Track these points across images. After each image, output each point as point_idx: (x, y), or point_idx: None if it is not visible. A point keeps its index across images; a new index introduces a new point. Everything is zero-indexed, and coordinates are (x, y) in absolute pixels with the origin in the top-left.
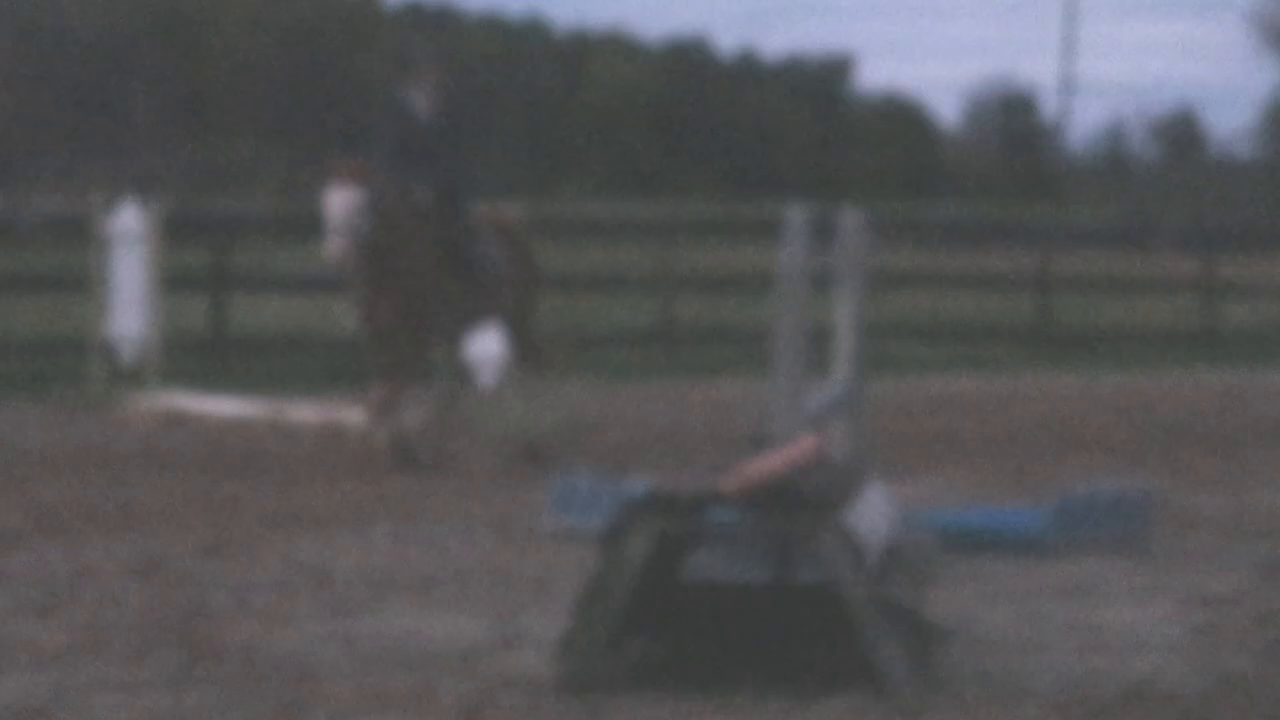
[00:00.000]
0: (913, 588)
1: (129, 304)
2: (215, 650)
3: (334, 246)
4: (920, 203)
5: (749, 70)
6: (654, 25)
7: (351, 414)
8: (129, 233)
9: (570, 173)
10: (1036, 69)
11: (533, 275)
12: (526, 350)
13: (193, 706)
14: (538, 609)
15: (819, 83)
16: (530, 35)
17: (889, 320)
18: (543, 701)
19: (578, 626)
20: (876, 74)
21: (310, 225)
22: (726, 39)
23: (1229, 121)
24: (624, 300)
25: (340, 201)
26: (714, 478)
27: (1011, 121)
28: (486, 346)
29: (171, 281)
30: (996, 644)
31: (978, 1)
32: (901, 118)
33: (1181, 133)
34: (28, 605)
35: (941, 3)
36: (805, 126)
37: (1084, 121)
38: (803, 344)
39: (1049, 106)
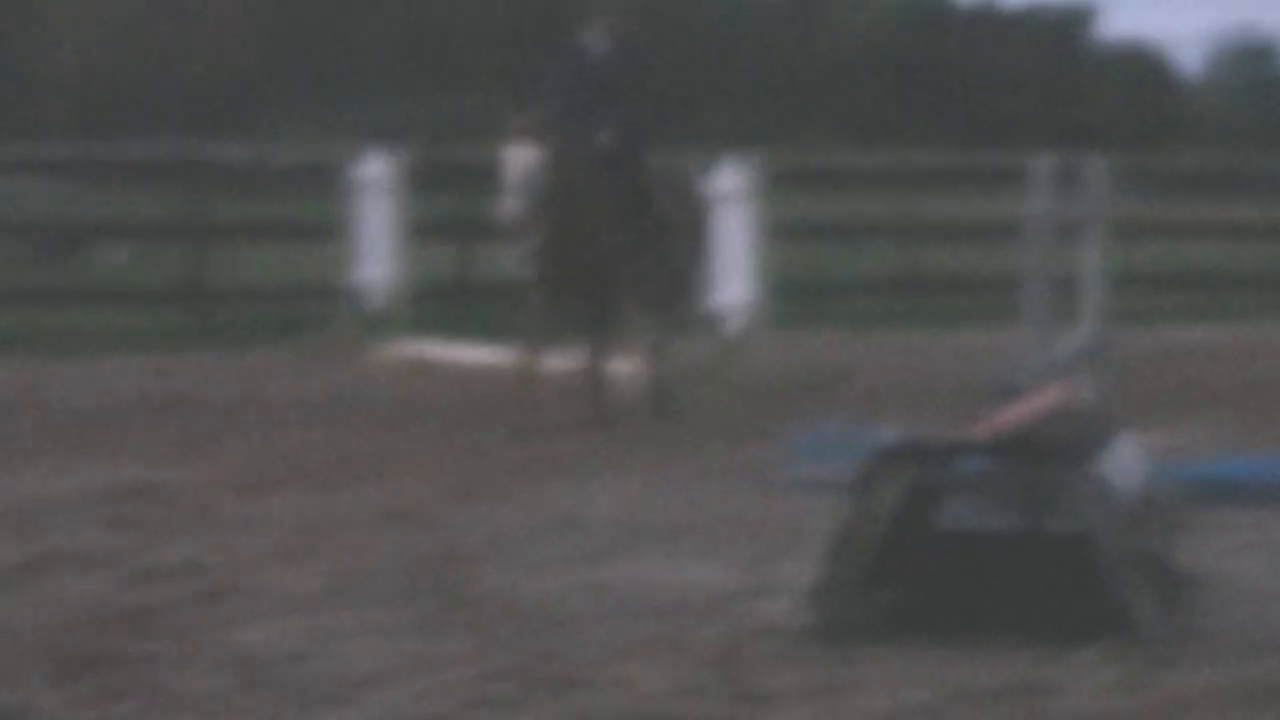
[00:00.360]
0: (1163, 537)
1: (375, 252)
2: (468, 597)
3: (508, 207)
4: (1162, 152)
5: (988, 20)
6: None
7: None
8: (375, 181)
9: (809, 123)
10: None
11: (697, 226)
12: (681, 304)
13: (447, 652)
14: (787, 557)
15: (1058, 32)
16: None
17: (1134, 270)
18: (794, 648)
19: (828, 574)
20: (1118, 24)
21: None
22: None
23: None
24: (867, 249)
25: (517, 160)
26: (964, 427)
27: (1254, 70)
28: (734, 294)
29: (417, 229)
30: (1247, 594)
31: None
32: (1142, 67)
33: None
34: (282, 552)
35: None
36: (1045, 76)
37: None
38: (1049, 294)
39: None
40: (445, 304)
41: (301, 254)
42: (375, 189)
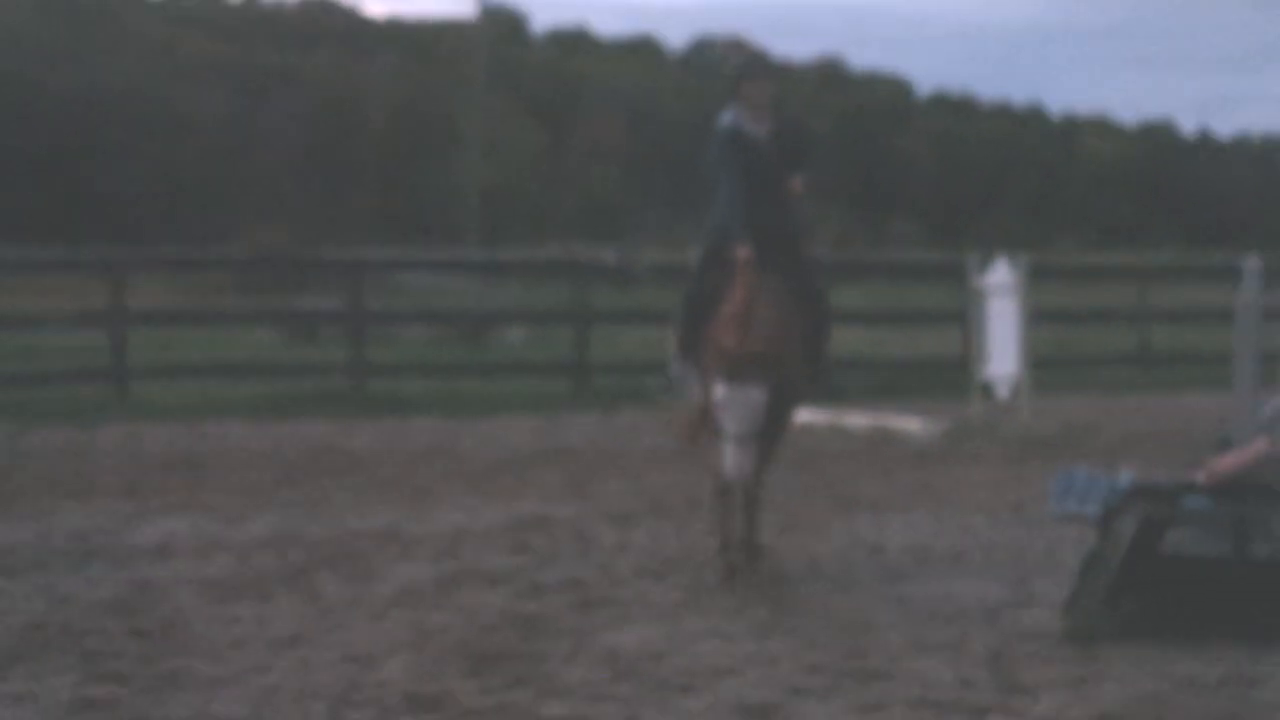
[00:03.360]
0: None
1: None
2: (792, 608)
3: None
4: None
5: (1206, 146)
6: (1130, 110)
7: (897, 420)
8: None
9: (1067, 230)
10: None
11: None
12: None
13: (776, 652)
14: (1046, 576)
15: (1264, 155)
16: (1032, 119)
17: None
18: (1050, 649)
19: (1079, 590)
20: None
21: (861, 270)
22: (1188, 121)
23: None
24: (1111, 330)
25: (742, 402)
26: (1188, 473)
27: None
28: (1003, 365)
29: None
30: None
31: None
32: None
33: None
34: (645, 571)
35: None
36: (1252, 190)
37: None
38: (1258, 365)
39: None
40: None
41: (658, 332)
42: None
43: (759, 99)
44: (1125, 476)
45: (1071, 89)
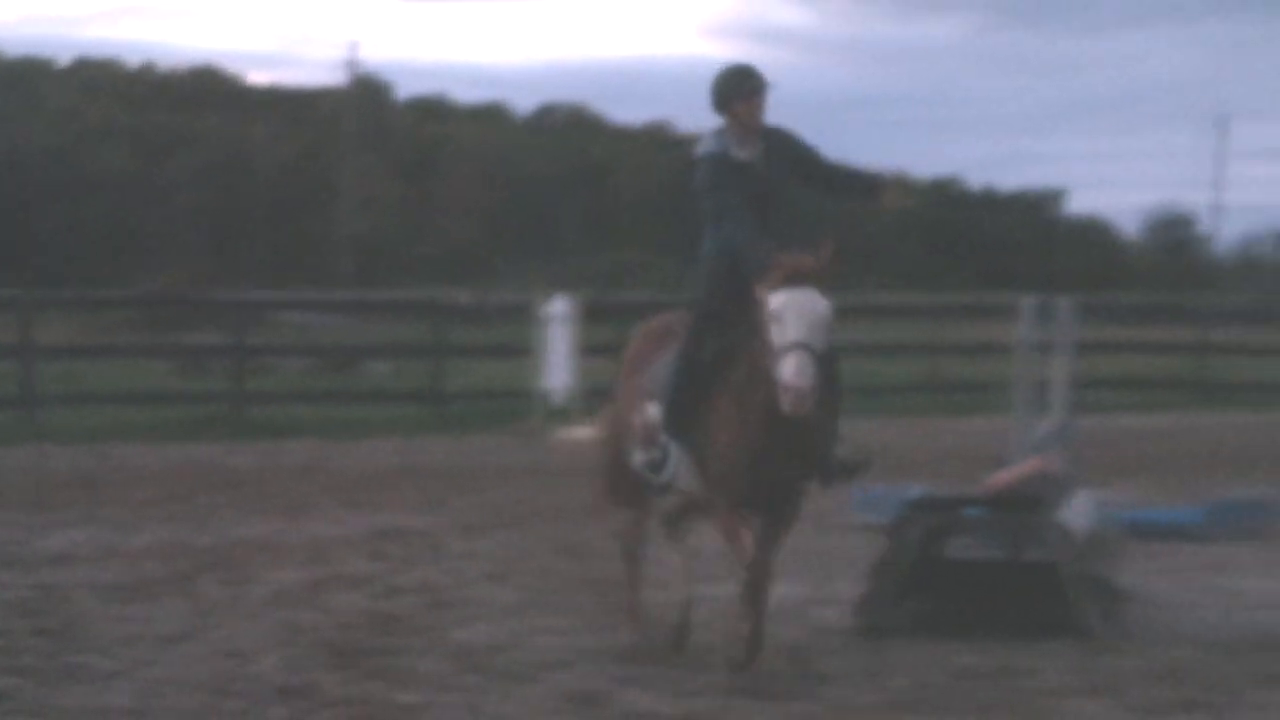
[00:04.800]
0: (1106, 564)
1: (559, 365)
2: (619, 608)
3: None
4: (1112, 292)
5: (990, 199)
6: (924, 167)
7: None
8: (561, 315)
9: (869, 273)
10: (1196, 197)
11: None
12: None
13: (607, 646)
14: (843, 578)
15: (1040, 209)
16: None
17: (1092, 376)
18: (847, 643)
19: (871, 590)
20: (1080, 202)
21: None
22: (976, 177)
23: None
24: (900, 361)
25: (802, 305)
26: (969, 486)
27: (1176, 234)
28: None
29: (588, 349)
30: (1163, 604)
31: (1156, 151)
32: (1098, 233)
33: None
34: (491, 575)
35: (1129, 150)
36: (1033, 240)
37: (1229, 233)
38: (1032, 393)
39: (1204, 223)
40: (608, 402)
41: (509, 367)
42: (560, 320)
43: (753, 119)
44: (913, 490)
45: (873, 149)
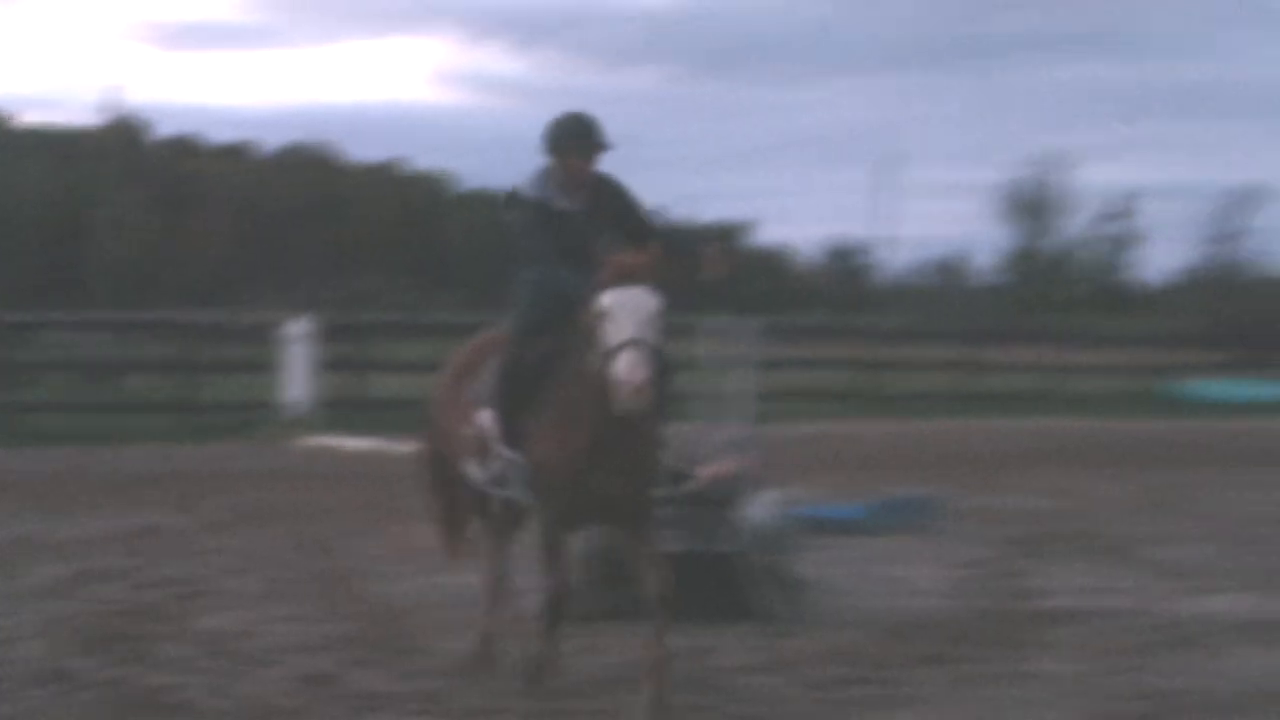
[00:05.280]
0: (786, 555)
1: (299, 379)
2: (352, 597)
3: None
4: (793, 314)
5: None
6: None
7: None
8: (301, 334)
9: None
10: (872, 230)
11: None
12: None
13: (338, 633)
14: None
15: (732, 238)
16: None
17: (772, 388)
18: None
19: (580, 580)
20: (769, 233)
21: (413, 330)
22: (676, 210)
23: (986, 261)
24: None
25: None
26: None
27: (847, 261)
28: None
29: (325, 365)
30: (837, 591)
31: (837, 188)
32: (780, 262)
33: (955, 268)
34: (237, 568)
35: (813, 186)
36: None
37: (898, 262)
38: (716, 404)
39: (875, 253)
40: (342, 413)
41: (255, 380)
42: (300, 340)
43: (584, 175)
44: None
45: None
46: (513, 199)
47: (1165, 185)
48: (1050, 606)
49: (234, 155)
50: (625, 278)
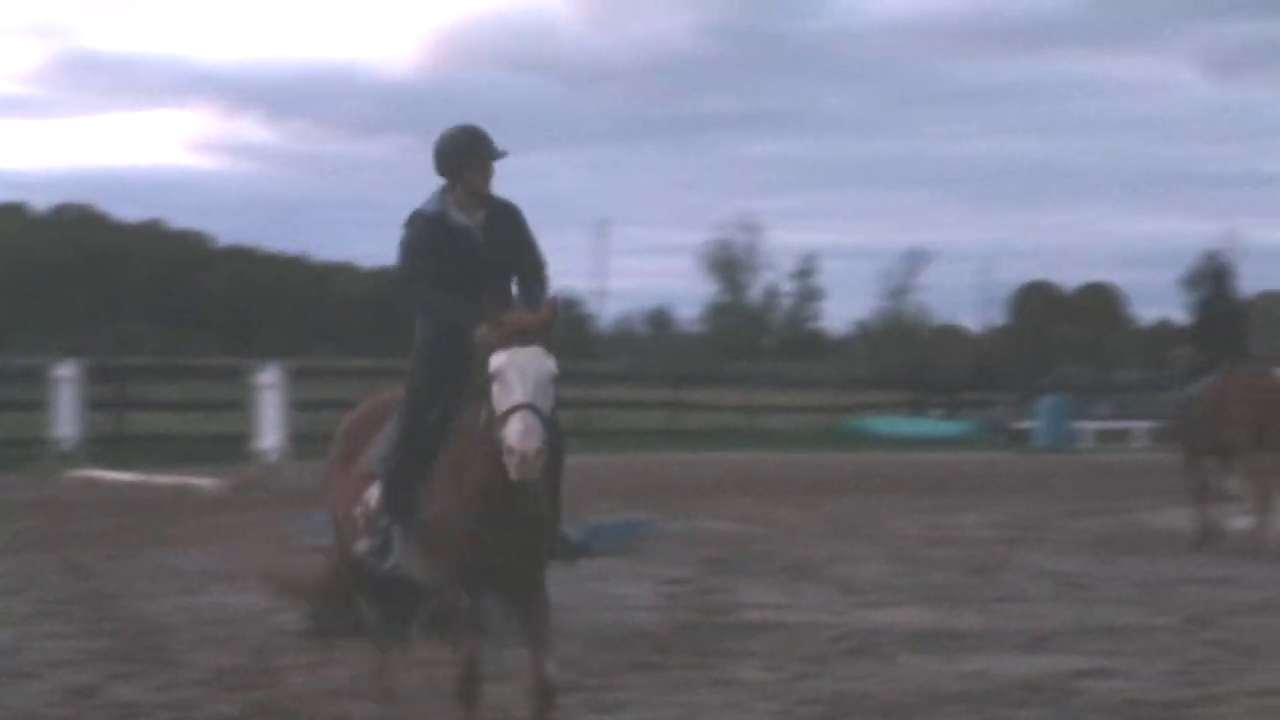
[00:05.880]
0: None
1: (67, 417)
2: (113, 616)
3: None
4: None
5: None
6: (366, 258)
7: (195, 479)
8: (68, 377)
9: (323, 343)
10: (586, 284)
11: None
12: None
13: (101, 648)
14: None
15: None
16: (297, 264)
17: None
18: (302, 642)
19: (320, 599)
20: None
21: (172, 372)
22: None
23: (690, 312)
24: None
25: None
26: None
27: (570, 313)
28: (270, 439)
29: (93, 403)
30: (553, 607)
31: (556, 248)
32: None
33: (663, 319)
34: (7, 589)
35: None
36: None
37: (609, 313)
38: None
39: (592, 305)
40: (106, 448)
41: (28, 418)
42: (68, 382)
43: (481, 188)
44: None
45: (328, 241)
46: (411, 218)
47: (847, 247)
48: (745, 619)
49: (9, 214)
50: (517, 337)
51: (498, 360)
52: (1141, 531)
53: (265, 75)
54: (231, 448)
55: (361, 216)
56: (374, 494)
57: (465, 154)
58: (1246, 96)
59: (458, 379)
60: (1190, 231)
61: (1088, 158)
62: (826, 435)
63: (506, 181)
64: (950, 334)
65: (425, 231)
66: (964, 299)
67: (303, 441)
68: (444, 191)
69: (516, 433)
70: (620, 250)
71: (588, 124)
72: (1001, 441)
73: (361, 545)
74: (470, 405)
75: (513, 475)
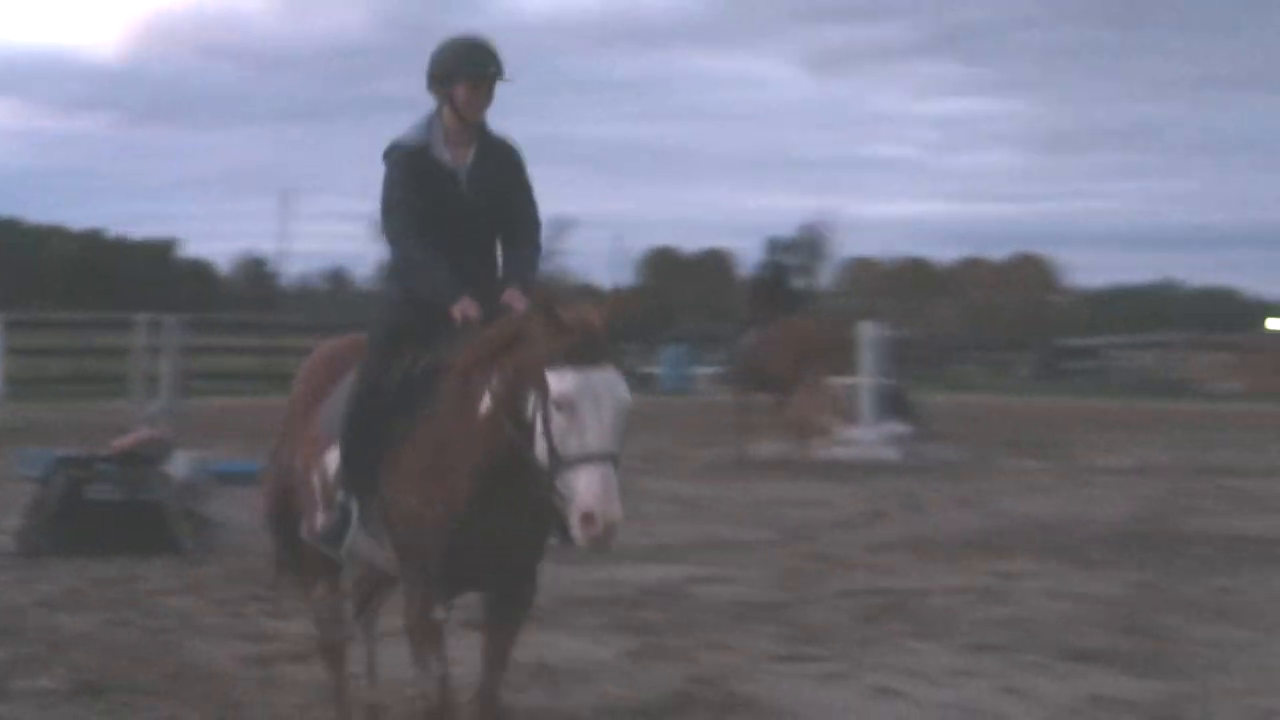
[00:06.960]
0: (198, 501)
1: None
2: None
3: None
4: (214, 313)
5: (124, 244)
6: (77, 221)
7: None
8: None
9: (41, 295)
10: (275, 246)
11: None
12: None
13: None
14: (10, 515)
15: (160, 252)
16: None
17: (196, 371)
18: (14, 562)
19: (29, 523)
20: (191, 250)
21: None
22: (115, 229)
23: (366, 273)
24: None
25: (605, 395)
26: (102, 447)
27: (257, 272)
28: None
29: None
30: (238, 529)
31: (250, 213)
32: (204, 271)
33: (342, 277)
34: None
35: (232, 213)
36: (152, 274)
37: (293, 272)
38: (146, 383)
39: (279, 264)
40: None
41: None
42: None
43: (472, 110)
44: (62, 450)
45: (67, 209)
46: (388, 150)
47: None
48: None
49: None
50: (584, 349)
51: (565, 384)
52: (745, 460)
53: None
54: None
55: (71, 184)
56: (333, 460)
57: (455, 65)
58: (843, 92)
59: (430, 329)
60: (795, 206)
61: (707, 141)
62: None
63: (201, 153)
64: (587, 292)
65: (402, 168)
66: (599, 262)
67: (17, 385)
68: (430, 120)
69: (595, 494)
70: (307, 216)
71: (275, 105)
72: (631, 385)
73: (318, 522)
74: (452, 375)
75: (580, 543)
